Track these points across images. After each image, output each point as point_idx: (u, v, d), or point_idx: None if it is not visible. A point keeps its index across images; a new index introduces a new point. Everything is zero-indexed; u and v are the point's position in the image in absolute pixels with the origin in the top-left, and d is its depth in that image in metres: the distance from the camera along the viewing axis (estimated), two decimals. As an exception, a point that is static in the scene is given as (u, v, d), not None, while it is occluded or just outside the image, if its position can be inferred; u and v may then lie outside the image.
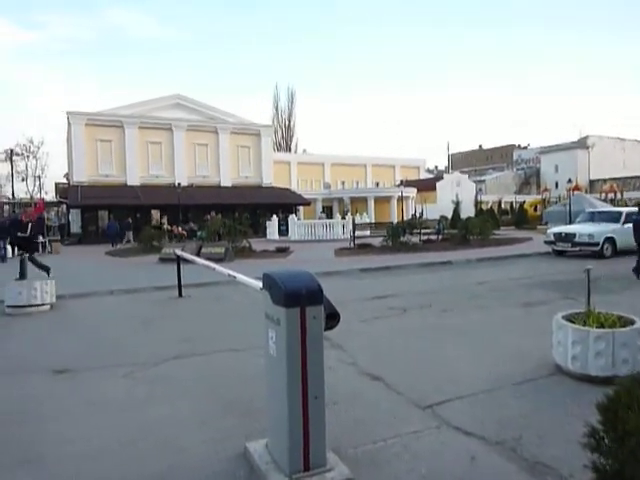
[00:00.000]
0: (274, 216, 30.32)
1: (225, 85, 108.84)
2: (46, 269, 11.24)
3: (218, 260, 14.25)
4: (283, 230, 29.62)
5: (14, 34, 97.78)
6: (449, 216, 31.92)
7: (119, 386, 4.68)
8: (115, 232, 28.68)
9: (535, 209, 41.50)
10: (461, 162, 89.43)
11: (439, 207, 40.42)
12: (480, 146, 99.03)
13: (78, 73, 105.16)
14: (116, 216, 32.13)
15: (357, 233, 21.42)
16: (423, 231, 21.75)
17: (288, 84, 67.10)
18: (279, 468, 2.89)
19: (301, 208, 41.83)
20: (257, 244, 19.86)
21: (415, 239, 19.55)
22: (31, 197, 44.84)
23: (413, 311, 7.74)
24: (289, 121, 62.39)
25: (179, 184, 33.22)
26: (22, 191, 47.30)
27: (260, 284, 4.27)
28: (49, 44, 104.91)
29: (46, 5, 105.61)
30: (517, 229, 30.95)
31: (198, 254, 15.40)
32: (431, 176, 61.45)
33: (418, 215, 32.21)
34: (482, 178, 69.02)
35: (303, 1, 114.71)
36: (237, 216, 26.33)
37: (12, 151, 44.29)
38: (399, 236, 18.33)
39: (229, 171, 40.26)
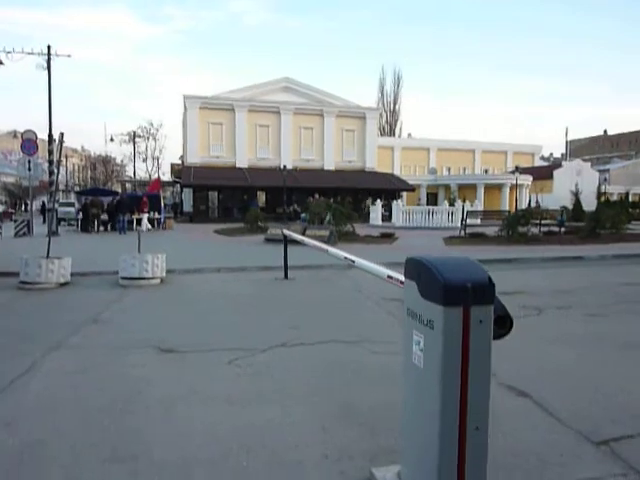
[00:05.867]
0: (378, 201, 29.50)
1: (331, 67, 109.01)
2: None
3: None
4: (386, 216, 28.78)
5: (143, 29, 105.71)
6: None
7: (224, 374, 4.26)
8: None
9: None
10: (581, 150, 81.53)
11: (555, 197, 37.17)
12: (605, 131, 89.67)
13: (195, 61, 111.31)
14: (225, 196, 33.33)
15: (467, 222, 19.97)
16: (543, 222, 19.81)
17: (394, 66, 65.64)
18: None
19: (404, 194, 40.52)
20: (359, 229, 19.24)
21: (535, 230, 17.82)
22: (149, 176, 48.18)
23: (550, 312, 6.61)
24: (394, 104, 60.84)
25: (284, 167, 33.56)
26: (142, 171, 50.89)
27: (386, 271, 3.60)
28: (171, 36, 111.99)
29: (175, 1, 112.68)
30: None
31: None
32: (547, 164, 56.80)
33: (534, 204, 29.67)
34: (606, 167, 62.25)
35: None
36: (339, 200, 25.95)
37: (134, 133, 47.75)
38: (518, 226, 16.70)
39: (333, 155, 40.02)
